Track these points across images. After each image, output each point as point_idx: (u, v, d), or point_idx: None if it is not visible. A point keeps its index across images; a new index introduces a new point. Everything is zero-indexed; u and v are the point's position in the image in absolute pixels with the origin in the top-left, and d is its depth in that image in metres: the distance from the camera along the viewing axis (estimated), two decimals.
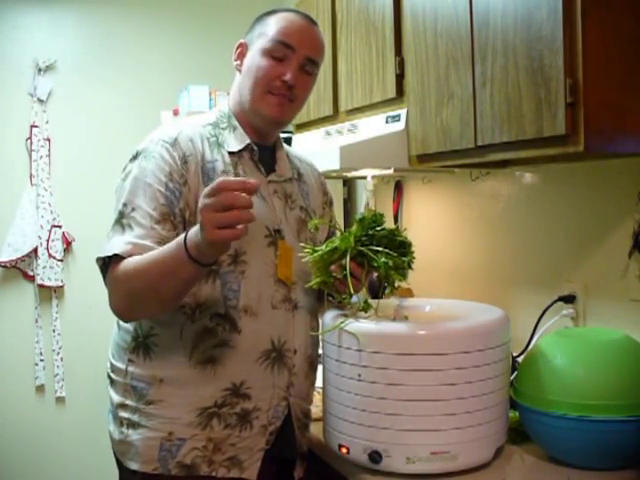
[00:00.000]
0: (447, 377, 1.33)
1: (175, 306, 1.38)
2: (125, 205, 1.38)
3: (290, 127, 2.66)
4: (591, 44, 1.32)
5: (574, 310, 1.83)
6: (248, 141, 1.50)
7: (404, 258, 1.41)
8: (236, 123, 1.52)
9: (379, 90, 2.04)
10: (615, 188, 1.71)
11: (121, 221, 1.37)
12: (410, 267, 1.43)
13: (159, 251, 1.29)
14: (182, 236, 1.25)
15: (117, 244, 1.34)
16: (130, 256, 1.32)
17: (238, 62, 1.54)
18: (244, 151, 1.50)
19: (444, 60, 1.71)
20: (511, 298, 2.04)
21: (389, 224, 1.46)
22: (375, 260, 1.38)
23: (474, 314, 1.49)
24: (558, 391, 1.40)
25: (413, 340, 1.35)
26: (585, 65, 1.32)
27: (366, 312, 1.43)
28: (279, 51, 1.47)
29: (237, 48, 1.55)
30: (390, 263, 1.37)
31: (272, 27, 1.48)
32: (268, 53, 1.47)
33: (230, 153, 1.48)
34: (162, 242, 1.34)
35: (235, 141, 1.50)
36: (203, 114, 1.59)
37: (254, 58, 1.49)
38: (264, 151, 1.54)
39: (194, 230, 1.22)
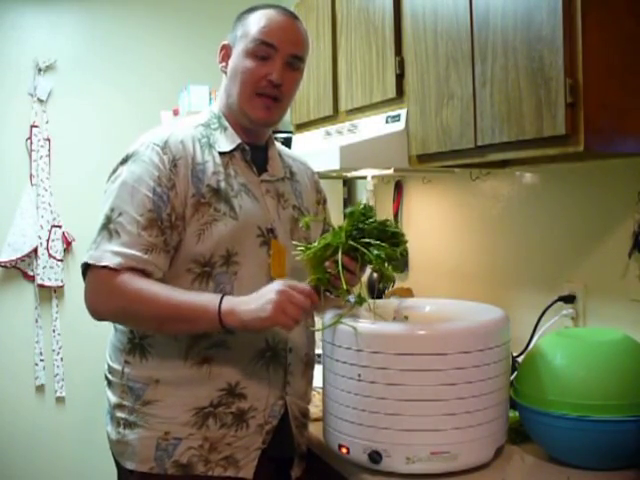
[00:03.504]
0: (447, 377, 1.33)
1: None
2: (112, 210, 1.38)
3: (290, 127, 2.66)
4: (591, 44, 1.32)
5: (574, 310, 1.83)
6: (239, 141, 1.50)
7: (396, 248, 1.41)
8: (226, 123, 1.52)
9: (379, 90, 2.04)
10: (615, 188, 1.71)
11: (108, 226, 1.37)
12: (403, 256, 1.42)
13: (183, 298, 1.34)
14: (217, 297, 1.32)
15: (106, 255, 1.34)
16: (121, 268, 1.33)
17: (223, 64, 1.53)
18: (235, 151, 1.50)
19: (444, 60, 1.71)
20: (511, 298, 2.04)
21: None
22: (367, 254, 1.38)
23: (474, 314, 1.49)
24: (558, 391, 1.40)
25: (413, 340, 1.35)
26: (585, 65, 1.31)
27: (361, 305, 1.42)
28: (262, 51, 1.46)
29: (221, 50, 1.54)
30: (382, 255, 1.37)
31: (253, 27, 1.47)
32: (251, 54, 1.46)
33: (221, 153, 1.48)
34: (149, 249, 1.35)
35: (226, 141, 1.49)
36: (196, 115, 1.58)
37: (238, 60, 1.48)
38: (256, 151, 1.53)
39: (236, 298, 1.33)
